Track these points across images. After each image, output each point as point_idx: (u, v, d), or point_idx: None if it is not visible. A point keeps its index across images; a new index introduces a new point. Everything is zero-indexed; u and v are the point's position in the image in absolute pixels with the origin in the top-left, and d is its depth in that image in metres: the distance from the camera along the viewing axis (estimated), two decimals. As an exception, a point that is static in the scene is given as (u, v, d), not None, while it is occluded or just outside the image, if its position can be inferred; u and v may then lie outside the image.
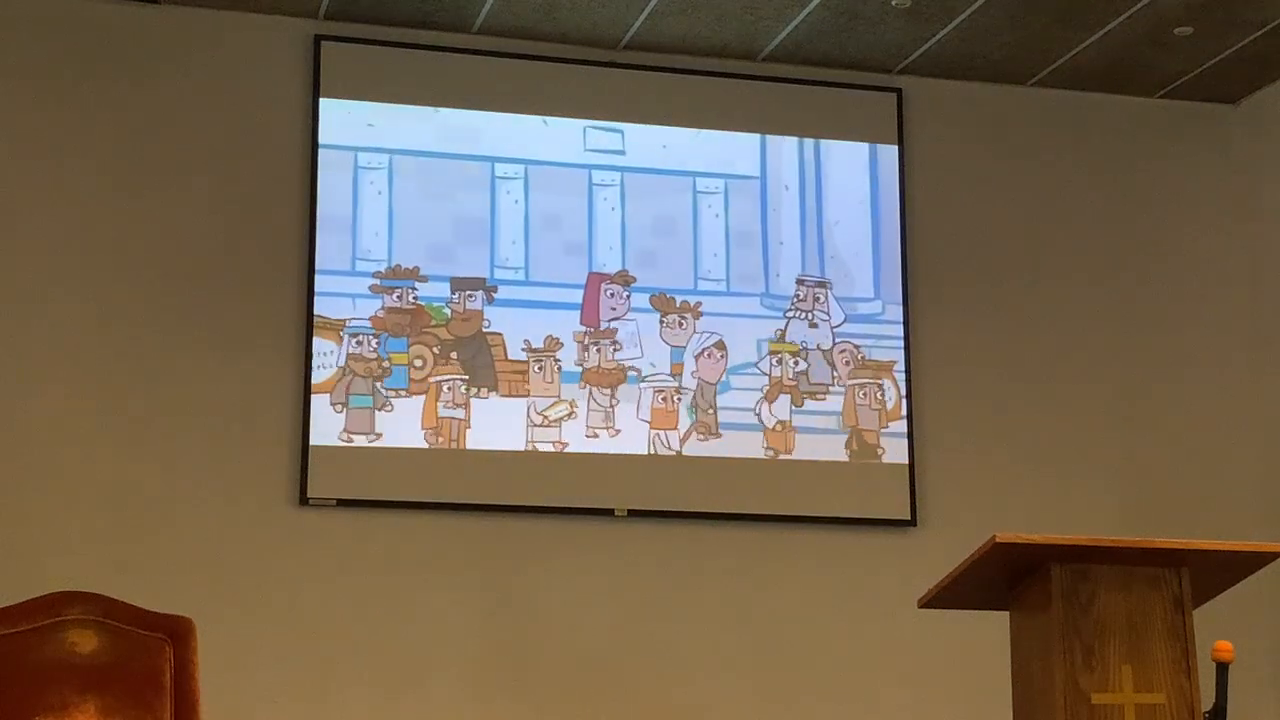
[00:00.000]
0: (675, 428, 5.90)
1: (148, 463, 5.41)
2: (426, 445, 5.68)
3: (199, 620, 4.48)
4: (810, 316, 6.08)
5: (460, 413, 5.73)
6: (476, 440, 5.71)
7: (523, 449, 5.69)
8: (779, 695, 5.75)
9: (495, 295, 5.84)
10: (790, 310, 6.07)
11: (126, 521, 5.35)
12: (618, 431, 5.83)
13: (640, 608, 5.71)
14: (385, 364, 5.69)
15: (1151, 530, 5.82)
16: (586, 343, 5.86)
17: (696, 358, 5.99)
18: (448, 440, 5.69)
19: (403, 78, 5.85)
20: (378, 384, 5.68)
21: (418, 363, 5.73)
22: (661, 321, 5.97)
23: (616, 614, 5.68)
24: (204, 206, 5.61)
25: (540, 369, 5.83)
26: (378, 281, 5.76)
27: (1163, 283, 6.41)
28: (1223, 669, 3.64)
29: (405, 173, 5.88)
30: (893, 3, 5.65)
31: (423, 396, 5.69)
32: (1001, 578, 3.73)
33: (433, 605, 5.55)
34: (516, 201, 5.96)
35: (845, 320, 6.10)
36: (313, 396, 5.54)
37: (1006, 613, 3.82)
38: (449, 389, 5.74)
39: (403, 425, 5.62)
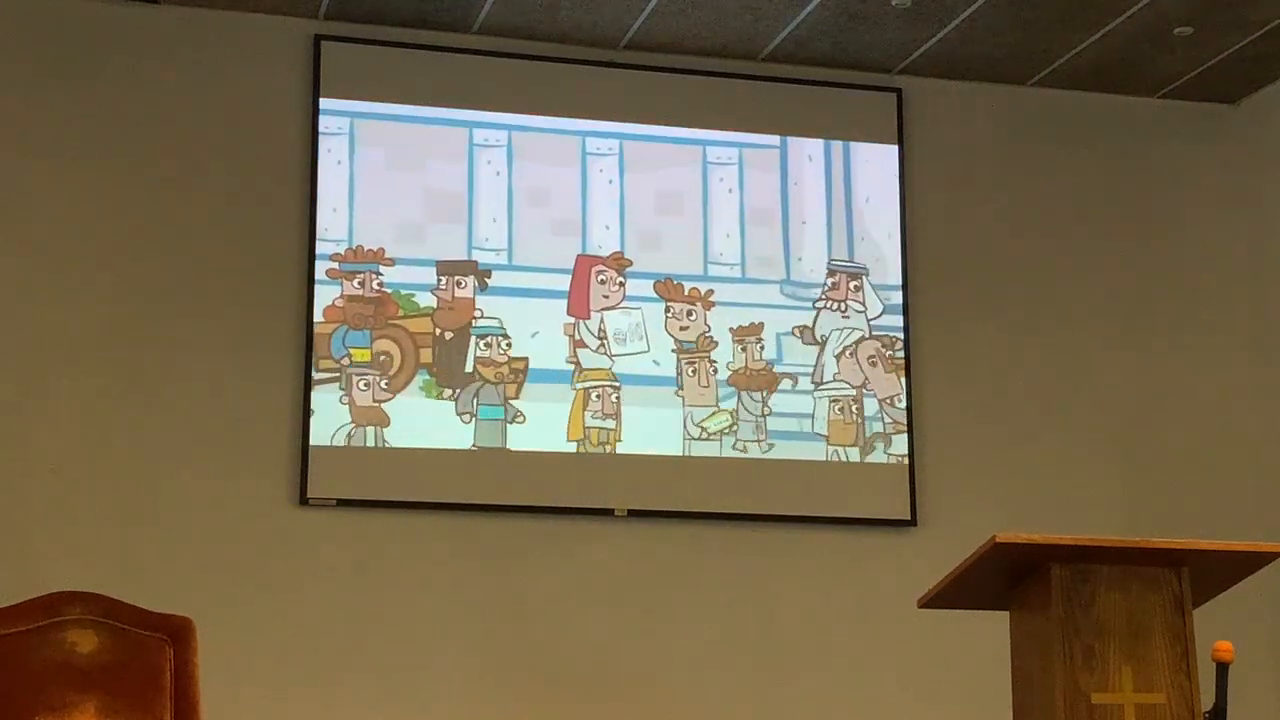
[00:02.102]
0: (855, 443, 5.49)
1: (148, 462, 5.40)
2: (575, 452, 5.28)
3: (199, 620, 4.49)
4: (843, 307, 5.57)
5: (611, 423, 5.30)
6: (626, 448, 5.35)
7: (518, 450, 5.62)
8: (779, 695, 5.75)
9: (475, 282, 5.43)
10: (820, 300, 5.57)
11: (126, 521, 5.35)
12: (771, 445, 5.43)
13: (640, 607, 5.70)
14: (513, 366, 5.14)
15: (1151, 530, 5.82)
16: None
17: (838, 358, 5.53)
18: (591, 446, 5.35)
19: (402, 78, 5.77)
20: (509, 391, 5.21)
21: (382, 359, 5.39)
22: (667, 311, 5.54)
23: (616, 614, 5.68)
24: (203, 207, 5.60)
25: (694, 372, 5.33)
26: (336, 265, 5.30)
27: (1163, 282, 6.41)
28: (1223, 669, 3.64)
29: (369, 139, 5.38)
30: (893, 3, 5.65)
31: (400, 395, 5.40)
32: (1001, 578, 3.74)
33: (433, 605, 5.54)
34: (499, 173, 5.47)
35: (883, 312, 5.66)
36: (313, 395, 5.52)
37: (1006, 613, 3.82)
38: (598, 396, 5.27)
39: (402, 424, 5.54)
